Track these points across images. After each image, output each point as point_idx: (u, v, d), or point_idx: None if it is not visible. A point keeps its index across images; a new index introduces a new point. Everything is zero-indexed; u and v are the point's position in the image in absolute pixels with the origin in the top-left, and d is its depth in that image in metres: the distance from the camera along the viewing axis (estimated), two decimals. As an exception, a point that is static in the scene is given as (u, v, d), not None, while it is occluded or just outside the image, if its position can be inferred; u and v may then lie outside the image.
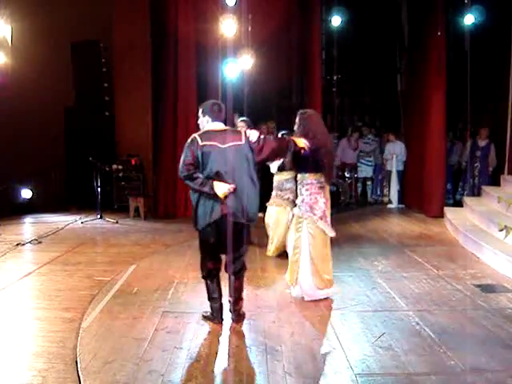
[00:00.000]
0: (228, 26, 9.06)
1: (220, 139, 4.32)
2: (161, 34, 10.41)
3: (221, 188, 4.21)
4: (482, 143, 10.75)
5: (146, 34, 10.59)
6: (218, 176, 4.25)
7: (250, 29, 9.74)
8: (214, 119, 4.48)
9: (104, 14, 10.71)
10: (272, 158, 5.02)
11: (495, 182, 10.27)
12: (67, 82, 11.13)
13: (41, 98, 10.31)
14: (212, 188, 4.20)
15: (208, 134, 4.38)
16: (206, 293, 4.59)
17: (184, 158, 4.31)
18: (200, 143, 4.28)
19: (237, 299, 4.55)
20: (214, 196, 4.22)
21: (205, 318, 4.60)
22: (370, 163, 12.70)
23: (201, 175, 4.25)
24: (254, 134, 4.45)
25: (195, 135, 4.38)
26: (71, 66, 11.24)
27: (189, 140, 4.38)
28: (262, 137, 4.49)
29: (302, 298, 5.15)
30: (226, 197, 4.24)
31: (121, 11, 10.73)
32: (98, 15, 10.70)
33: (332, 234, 5.14)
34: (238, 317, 4.55)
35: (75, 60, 11.26)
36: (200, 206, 4.34)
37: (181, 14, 10.18)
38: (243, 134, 4.47)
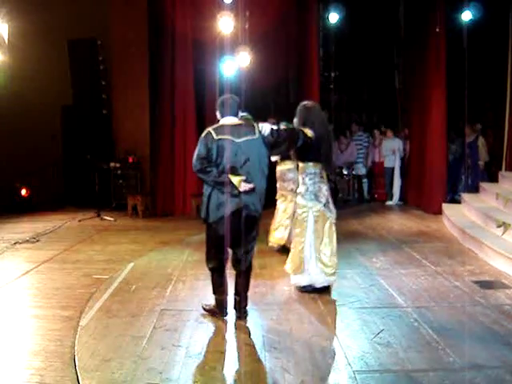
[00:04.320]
0: (225, 23, 9.03)
1: (234, 133, 4.35)
2: (158, 32, 10.37)
3: (236, 177, 4.25)
4: (468, 140, 10.85)
5: (144, 32, 10.54)
6: (233, 170, 4.28)
7: (247, 26, 9.70)
8: (226, 113, 4.52)
9: (101, 12, 10.68)
10: (285, 150, 5.08)
11: (490, 176, 10.43)
12: (65, 80, 11.09)
13: (38, 96, 10.28)
14: (227, 178, 4.24)
15: (222, 128, 4.42)
16: (212, 285, 4.60)
17: (198, 152, 4.35)
18: (215, 137, 4.32)
19: (243, 297, 4.57)
20: (229, 186, 4.24)
21: (207, 310, 4.63)
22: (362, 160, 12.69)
23: (215, 169, 4.29)
24: (267, 128, 4.46)
25: (209, 129, 4.42)
26: (68, 63, 11.20)
27: (203, 134, 4.44)
28: (275, 129, 4.51)
29: (310, 286, 5.19)
30: (243, 190, 4.27)
31: (118, 8, 10.70)
32: (96, 13, 10.67)
33: (334, 219, 5.22)
34: (244, 314, 4.57)
35: (72, 58, 11.21)
36: (212, 199, 4.37)
37: (178, 11, 10.16)
38: (256, 128, 4.49)
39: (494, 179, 10.07)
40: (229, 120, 4.49)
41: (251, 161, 4.35)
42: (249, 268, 4.61)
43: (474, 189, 10.23)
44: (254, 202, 4.38)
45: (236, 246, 4.51)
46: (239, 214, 4.33)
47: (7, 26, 9.12)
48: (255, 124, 4.62)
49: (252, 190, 4.32)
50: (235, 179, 4.25)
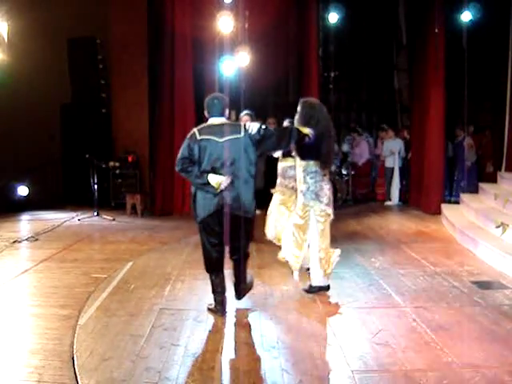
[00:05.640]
0: (225, 23, 9.03)
1: (218, 133, 4.37)
2: (158, 31, 10.37)
3: (215, 178, 4.26)
4: (456, 141, 10.96)
5: (143, 31, 10.55)
6: (214, 170, 4.31)
7: (246, 26, 9.71)
8: (213, 113, 4.53)
9: (101, 11, 10.69)
10: (274, 148, 5.09)
11: (480, 177, 10.60)
12: (64, 78, 11.10)
13: (37, 94, 10.28)
14: (206, 179, 4.26)
15: (207, 128, 4.45)
16: (211, 286, 4.64)
17: (180, 152, 4.41)
18: (198, 137, 4.36)
19: (239, 279, 4.65)
20: (208, 186, 4.27)
21: (210, 310, 4.66)
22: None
23: (195, 169, 4.32)
24: (254, 126, 4.46)
25: (194, 129, 4.47)
26: (68, 62, 11.21)
27: (189, 134, 4.48)
28: (263, 127, 4.51)
29: (309, 285, 5.19)
30: (221, 189, 4.28)
31: (118, 8, 10.70)
32: (95, 12, 10.68)
33: (332, 216, 5.23)
34: (244, 292, 4.71)
35: (72, 57, 11.23)
36: (198, 198, 4.43)
37: (178, 11, 10.15)
38: (242, 127, 4.49)
39: (483, 179, 10.23)
40: (215, 120, 4.51)
41: (235, 160, 4.36)
42: (244, 256, 4.66)
43: (461, 189, 10.35)
44: (239, 201, 4.38)
45: (226, 243, 4.54)
46: (224, 212, 4.36)
47: (7, 25, 9.12)
48: (242, 123, 4.64)
49: (232, 188, 4.33)
50: (214, 180, 4.25)
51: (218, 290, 4.59)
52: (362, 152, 12.45)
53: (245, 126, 4.49)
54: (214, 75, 10.20)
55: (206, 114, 4.62)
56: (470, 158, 10.89)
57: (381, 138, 12.41)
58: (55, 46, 10.79)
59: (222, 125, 4.46)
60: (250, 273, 4.89)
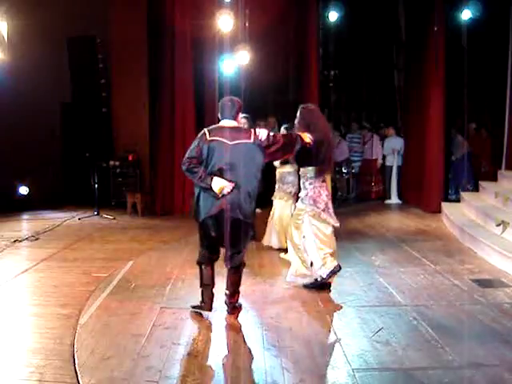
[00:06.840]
0: (225, 22, 9.02)
1: (229, 136, 4.37)
2: (158, 30, 10.37)
3: (218, 183, 4.24)
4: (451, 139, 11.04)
5: (143, 30, 10.55)
6: (221, 172, 4.29)
7: (246, 24, 9.70)
8: (226, 115, 4.54)
9: (101, 10, 10.66)
10: (281, 155, 5.07)
11: (476, 176, 10.68)
12: (64, 77, 11.07)
13: (37, 93, 10.25)
14: (209, 183, 4.25)
15: (218, 130, 4.45)
16: (199, 279, 4.62)
17: (189, 151, 4.39)
18: (208, 138, 4.35)
19: (233, 292, 4.57)
20: (210, 190, 4.26)
21: (193, 307, 4.63)
22: (359, 158, 12.70)
23: (201, 170, 4.31)
24: (263, 133, 4.47)
25: (205, 129, 4.47)
26: (68, 61, 11.19)
27: (199, 133, 4.48)
28: (271, 135, 4.51)
29: (316, 279, 5.18)
30: (222, 194, 4.26)
31: (117, 6, 10.70)
32: (95, 10, 10.64)
33: (337, 223, 5.23)
34: (234, 309, 4.58)
35: (72, 56, 11.19)
36: (201, 198, 4.41)
37: (177, 10, 10.13)
38: (253, 132, 4.49)
39: (480, 179, 10.21)
40: (226, 122, 4.51)
41: (242, 164, 4.35)
42: (239, 266, 4.57)
43: (460, 187, 10.40)
44: (241, 205, 4.34)
45: (224, 246, 4.52)
46: (224, 215, 4.33)
47: (6, 24, 9.11)
48: (252, 129, 4.64)
49: (235, 192, 4.30)
50: (217, 186, 4.24)
51: (207, 283, 4.56)
52: (341, 152, 12.45)
53: (255, 132, 4.49)
54: (214, 74, 10.20)
55: (218, 115, 4.63)
56: (455, 154, 10.99)
57: (363, 137, 12.50)
58: (55, 45, 10.75)
59: (233, 128, 4.46)
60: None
